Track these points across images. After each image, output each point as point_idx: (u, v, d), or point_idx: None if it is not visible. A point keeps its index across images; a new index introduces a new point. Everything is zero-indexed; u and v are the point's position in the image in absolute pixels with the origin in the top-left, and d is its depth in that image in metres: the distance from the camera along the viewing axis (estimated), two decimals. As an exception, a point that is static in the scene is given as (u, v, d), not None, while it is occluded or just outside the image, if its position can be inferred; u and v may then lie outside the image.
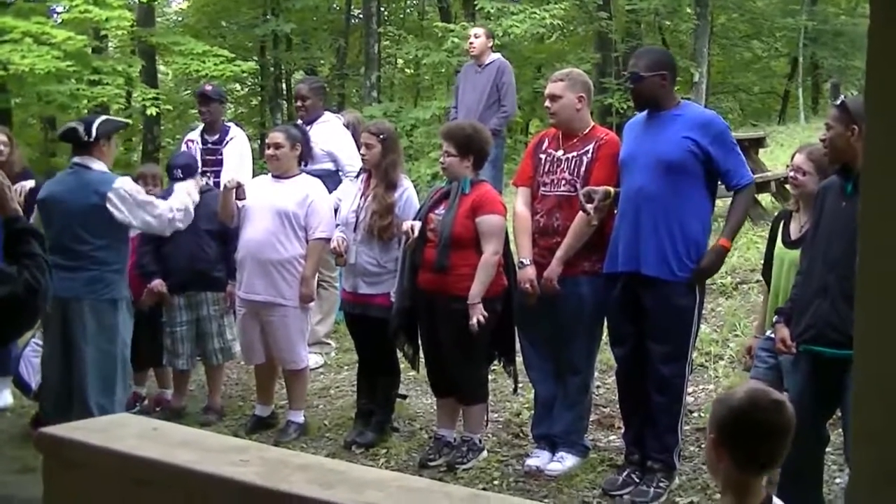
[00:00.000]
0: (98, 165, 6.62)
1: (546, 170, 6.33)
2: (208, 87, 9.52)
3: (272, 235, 7.30)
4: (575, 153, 6.27)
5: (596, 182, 6.03)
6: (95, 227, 6.48)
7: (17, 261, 3.64)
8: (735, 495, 3.20)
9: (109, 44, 24.04)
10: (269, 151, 7.50)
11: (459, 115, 10.31)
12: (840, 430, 5.68)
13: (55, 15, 19.87)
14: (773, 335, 5.65)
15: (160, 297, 7.84)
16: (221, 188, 7.72)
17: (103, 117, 6.95)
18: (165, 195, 7.46)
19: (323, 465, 3.82)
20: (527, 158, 6.56)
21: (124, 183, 6.63)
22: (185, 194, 7.09)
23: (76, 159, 6.66)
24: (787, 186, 5.96)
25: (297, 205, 7.33)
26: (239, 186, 7.47)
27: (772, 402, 3.18)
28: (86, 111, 21.29)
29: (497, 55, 10.95)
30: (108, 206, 6.47)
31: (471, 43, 10.81)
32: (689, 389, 6.69)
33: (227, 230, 7.73)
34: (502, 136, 11.40)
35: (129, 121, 7.26)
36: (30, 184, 7.59)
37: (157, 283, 7.80)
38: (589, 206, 5.86)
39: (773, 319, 5.47)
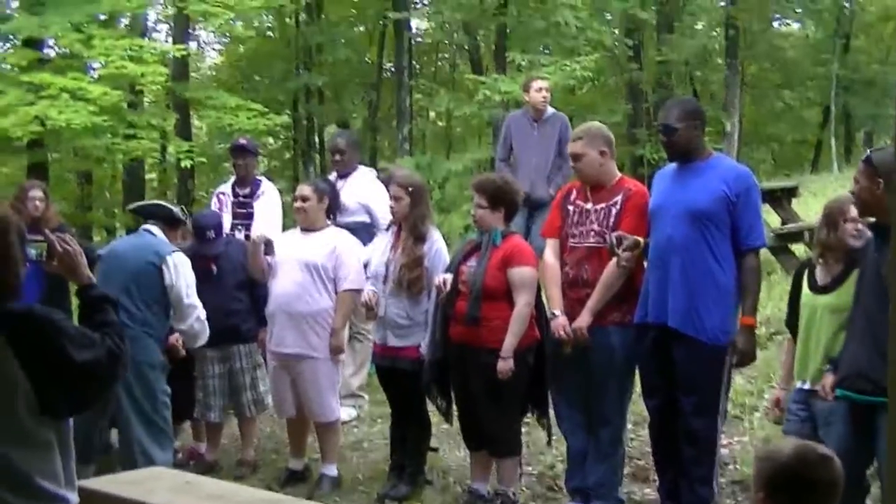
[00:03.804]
0: (164, 237, 7.00)
1: (574, 221, 6.34)
2: (244, 140, 9.60)
3: (301, 288, 7.31)
4: (603, 204, 6.27)
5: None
6: (145, 287, 6.72)
7: (97, 328, 3.68)
8: None
9: (144, 98, 24.31)
10: (297, 204, 7.55)
11: (520, 172, 9.97)
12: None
13: (92, 71, 20.11)
14: (805, 387, 5.63)
15: (175, 352, 7.81)
16: (250, 243, 7.79)
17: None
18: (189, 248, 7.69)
19: (355, 519, 3.81)
20: (555, 210, 6.57)
21: (184, 258, 6.96)
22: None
23: (150, 227, 7.05)
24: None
25: (326, 257, 7.35)
26: (268, 243, 7.54)
27: (820, 458, 3.15)
28: (121, 165, 21.52)
29: (551, 108, 10.83)
30: (162, 266, 6.75)
31: (544, 97, 10.57)
32: (724, 441, 6.64)
33: (253, 280, 7.78)
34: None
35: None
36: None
37: (174, 338, 7.81)
38: (618, 251, 5.87)
39: (825, 368, 5.47)
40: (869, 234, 5.35)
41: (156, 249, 6.83)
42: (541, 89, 10.65)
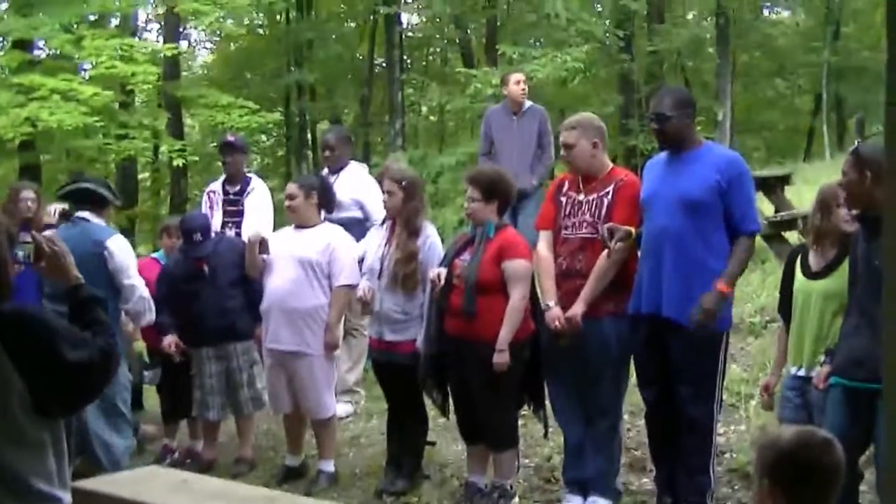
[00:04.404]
0: (99, 221, 7.11)
1: (567, 213, 6.34)
2: (231, 137, 9.63)
3: (296, 285, 7.32)
4: (595, 195, 6.27)
5: (617, 223, 6.04)
6: (91, 276, 6.54)
7: (87, 327, 3.69)
8: None
9: (136, 98, 24.31)
10: (286, 203, 7.56)
11: (502, 165, 9.48)
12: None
13: (83, 71, 20.10)
14: (799, 374, 5.65)
15: (173, 354, 7.96)
16: (246, 242, 7.81)
17: (107, 182, 7.67)
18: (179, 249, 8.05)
19: (352, 514, 3.81)
20: (548, 202, 6.57)
21: (122, 240, 7.14)
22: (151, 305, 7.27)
23: (83, 214, 7.12)
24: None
25: (320, 253, 7.36)
26: (262, 241, 7.56)
27: (822, 442, 3.16)
28: (114, 165, 21.51)
29: (529, 101, 10.91)
30: (104, 253, 6.86)
31: (522, 89, 10.68)
32: (721, 430, 6.64)
33: (247, 276, 7.80)
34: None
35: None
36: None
37: (168, 342, 7.90)
38: (611, 242, 5.88)
39: (821, 360, 5.48)
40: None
41: (94, 238, 6.91)
42: (519, 82, 10.79)
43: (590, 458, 6.39)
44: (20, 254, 3.90)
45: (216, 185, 9.35)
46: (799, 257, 5.83)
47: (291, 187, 7.68)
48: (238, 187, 9.14)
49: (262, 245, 7.60)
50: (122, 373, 6.95)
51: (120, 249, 6.96)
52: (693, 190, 5.82)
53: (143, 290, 7.07)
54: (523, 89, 10.71)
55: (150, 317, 7.26)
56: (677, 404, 5.89)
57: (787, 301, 5.84)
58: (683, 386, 5.86)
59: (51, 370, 3.48)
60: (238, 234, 8.64)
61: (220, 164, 9.90)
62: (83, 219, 7.08)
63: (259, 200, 9.11)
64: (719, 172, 5.83)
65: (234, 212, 9.03)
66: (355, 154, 12.63)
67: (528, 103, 10.75)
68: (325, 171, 9.24)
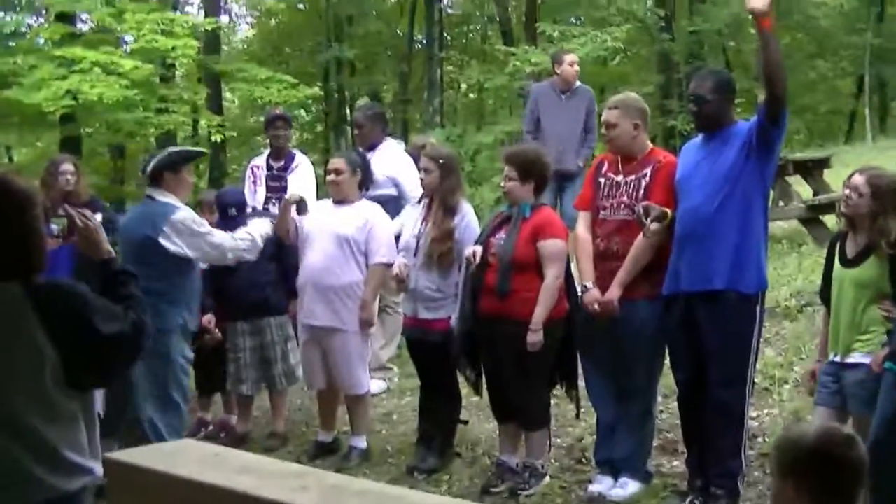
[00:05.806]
0: (165, 198, 6.68)
1: (605, 194, 6.32)
2: (279, 111, 9.65)
3: (332, 261, 7.32)
4: (633, 176, 6.24)
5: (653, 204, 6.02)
6: (148, 259, 6.36)
7: (119, 301, 3.71)
8: None
9: (176, 72, 24.40)
10: (331, 177, 7.54)
11: (549, 144, 9.72)
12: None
13: (124, 45, 20.20)
14: (834, 359, 5.63)
15: (210, 332, 8.01)
16: (282, 202, 7.80)
17: (171, 149, 7.13)
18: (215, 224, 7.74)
19: (382, 491, 3.81)
20: (587, 183, 6.55)
21: (182, 215, 6.66)
22: (258, 227, 7.17)
23: (147, 191, 6.82)
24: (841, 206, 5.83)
25: (358, 230, 7.36)
26: (301, 200, 7.51)
27: (846, 438, 3.13)
28: (153, 139, 21.64)
29: (577, 81, 10.93)
30: (160, 239, 6.51)
31: (576, 70, 10.82)
32: (753, 414, 6.62)
33: (283, 252, 7.82)
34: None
35: (203, 150, 7.47)
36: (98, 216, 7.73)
37: (206, 320, 7.90)
38: (646, 221, 5.86)
39: (881, 342, 5.47)
40: None
41: (153, 220, 6.57)
42: (573, 63, 10.87)
43: (622, 439, 6.38)
44: (55, 227, 3.94)
45: (260, 160, 9.34)
46: (839, 243, 5.80)
47: (338, 162, 7.65)
48: (282, 163, 9.14)
49: (301, 205, 7.52)
50: (178, 350, 6.69)
51: (177, 232, 6.54)
52: (726, 166, 5.80)
53: (225, 241, 6.82)
54: (577, 70, 10.80)
55: (256, 249, 7.05)
56: (709, 386, 5.87)
57: (829, 287, 5.82)
58: (715, 367, 5.84)
59: (84, 342, 3.52)
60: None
61: (258, 138, 9.95)
62: (150, 197, 6.75)
63: (303, 177, 9.08)
64: (747, 135, 5.79)
65: (277, 187, 9.01)
66: (393, 131, 12.64)
67: (576, 83, 10.77)
68: (360, 148, 9.24)
